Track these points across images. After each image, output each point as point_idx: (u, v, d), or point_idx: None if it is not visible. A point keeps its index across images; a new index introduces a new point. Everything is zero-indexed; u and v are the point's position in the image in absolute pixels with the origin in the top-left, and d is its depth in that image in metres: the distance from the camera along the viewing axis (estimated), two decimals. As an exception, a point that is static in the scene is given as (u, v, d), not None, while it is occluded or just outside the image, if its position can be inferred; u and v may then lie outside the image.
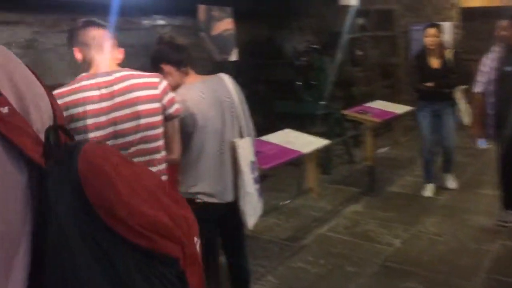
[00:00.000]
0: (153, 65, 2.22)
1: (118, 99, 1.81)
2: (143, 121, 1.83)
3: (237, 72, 5.70)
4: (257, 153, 3.40)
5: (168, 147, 1.99)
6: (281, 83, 6.13)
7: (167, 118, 1.93)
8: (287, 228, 4.05)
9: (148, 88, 1.86)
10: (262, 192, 2.41)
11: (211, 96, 2.24)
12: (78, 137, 1.79)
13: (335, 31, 6.36)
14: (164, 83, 1.92)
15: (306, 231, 3.97)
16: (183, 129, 2.21)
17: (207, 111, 2.21)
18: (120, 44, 1.98)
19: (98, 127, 1.79)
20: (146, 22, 6.15)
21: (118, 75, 1.84)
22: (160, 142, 1.89)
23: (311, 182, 4.03)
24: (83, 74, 1.85)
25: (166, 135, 1.96)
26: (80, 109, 1.78)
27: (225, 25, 5.82)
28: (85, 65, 1.90)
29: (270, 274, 3.28)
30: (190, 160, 2.23)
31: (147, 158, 1.85)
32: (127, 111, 1.81)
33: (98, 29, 1.89)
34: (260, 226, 4.03)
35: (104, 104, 1.80)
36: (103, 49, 1.89)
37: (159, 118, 1.88)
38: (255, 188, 2.30)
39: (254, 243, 3.69)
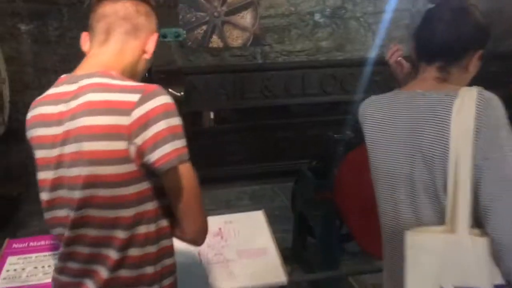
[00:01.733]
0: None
1: (66, 126, 1.05)
2: (85, 170, 1.01)
3: None
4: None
5: (175, 219, 1.10)
6: None
7: (154, 171, 1.02)
8: None
9: (110, 112, 0.99)
10: None
11: (398, 123, 1.20)
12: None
13: None
14: (150, 105, 0.98)
15: None
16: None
17: (381, 146, 1.24)
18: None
19: (48, 165, 1.10)
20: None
21: (84, 82, 1.06)
22: (128, 212, 1.02)
23: None
24: (63, 75, 1.16)
25: (171, 198, 1.07)
26: (32, 133, 1.13)
27: None
28: None
29: None
30: None
31: (100, 233, 1.04)
32: (72, 147, 1.03)
33: (116, 3, 1.13)
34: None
35: (56, 130, 1.08)
36: (110, 34, 1.13)
37: (122, 169, 1.00)
38: None
39: None
